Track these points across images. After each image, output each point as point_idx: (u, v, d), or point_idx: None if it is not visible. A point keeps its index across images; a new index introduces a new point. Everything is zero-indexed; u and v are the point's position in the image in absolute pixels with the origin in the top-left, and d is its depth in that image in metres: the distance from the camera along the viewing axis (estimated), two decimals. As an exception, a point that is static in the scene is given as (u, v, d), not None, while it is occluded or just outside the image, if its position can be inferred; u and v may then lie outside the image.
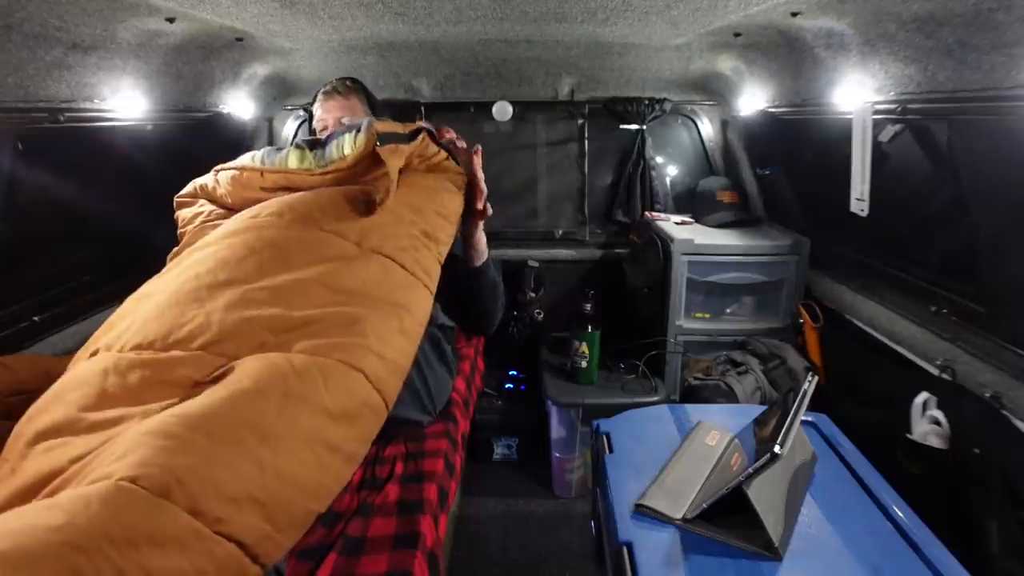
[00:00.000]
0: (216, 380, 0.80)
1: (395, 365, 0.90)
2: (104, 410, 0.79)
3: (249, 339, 0.86)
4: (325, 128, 1.61)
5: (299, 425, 0.74)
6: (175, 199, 1.34)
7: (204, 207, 1.31)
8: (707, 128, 2.50)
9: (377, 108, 1.67)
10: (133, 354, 0.86)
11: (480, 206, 1.31)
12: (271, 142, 2.47)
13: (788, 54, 1.71)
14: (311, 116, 2.35)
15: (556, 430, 2.05)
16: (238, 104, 2.09)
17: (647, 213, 2.43)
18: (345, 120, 1.57)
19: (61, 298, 1.53)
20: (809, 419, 1.31)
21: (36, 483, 0.70)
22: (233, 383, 0.77)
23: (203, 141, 2.04)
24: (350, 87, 1.61)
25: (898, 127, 1.43)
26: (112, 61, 1.40)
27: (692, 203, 2.41)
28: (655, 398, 1.95)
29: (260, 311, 0.89)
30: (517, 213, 2.59)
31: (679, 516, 0.99)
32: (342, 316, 0.90)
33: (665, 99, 2.35)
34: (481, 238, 1.40)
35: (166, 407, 0.76)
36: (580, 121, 2.50)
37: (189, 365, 0.83)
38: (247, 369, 0.79)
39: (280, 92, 2.31)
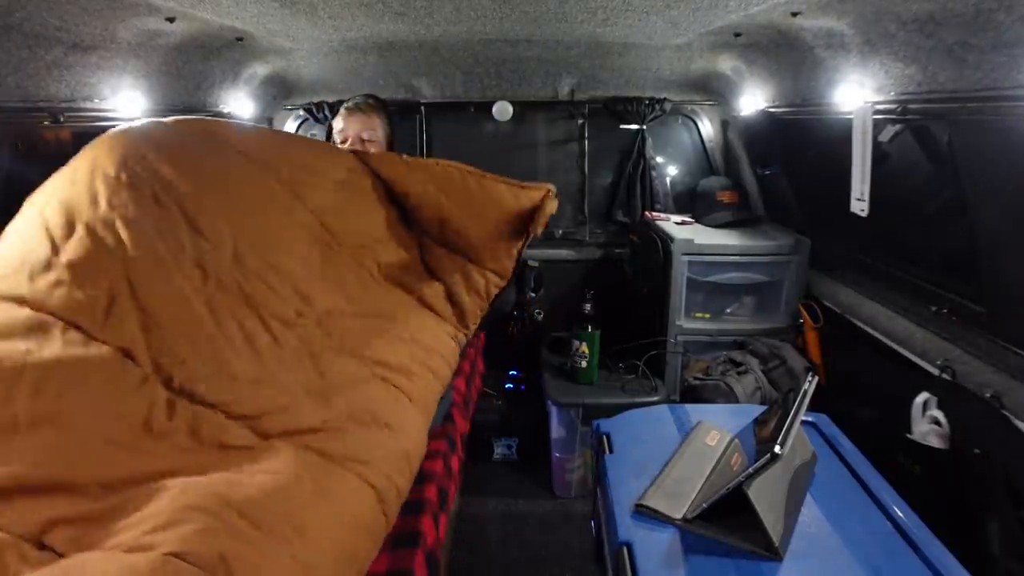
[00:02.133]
0: (243, 450, 0.88)
1: (398, 491, 0.98)
2: (146, 455, 0.84)
3: (283, 422, 0.94)
4: (346, 140, 1.64)
5: (325, 524, 0.81)
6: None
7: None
8: (707, 128, 2.49)
9: (394, 127, 1.71)
10: (176, 396, 0.92)
11: None
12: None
13: (788, 54, 1.71)
14: (313, 116, 2.36)
15: (556, 430, 2.05)
16: (238, 104, 2.09)
17: (647, 213, 2.43)
18: (365, 136, 1.61)
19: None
20: (809, 419, 1.31)
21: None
22: (272, 472, 0.84)
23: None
24: (372, 104, 1.67)
25: (898, 127, 1.43)
26: (112, 61, 1.40)
27: (692, 203, 2.40)
28: (655, 398, 1.95)
29: (305, 407, 0.98)
30: None
31: (679, 516, 0.99)
32: (369, 431, 0.99)
33: (665, 99, 2.35)
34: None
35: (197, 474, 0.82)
36: (580, 121, 2.50)
37: (224, 430, 0.90)
38: (285, 459, 0.87)
39: (280, 92, 2.31)
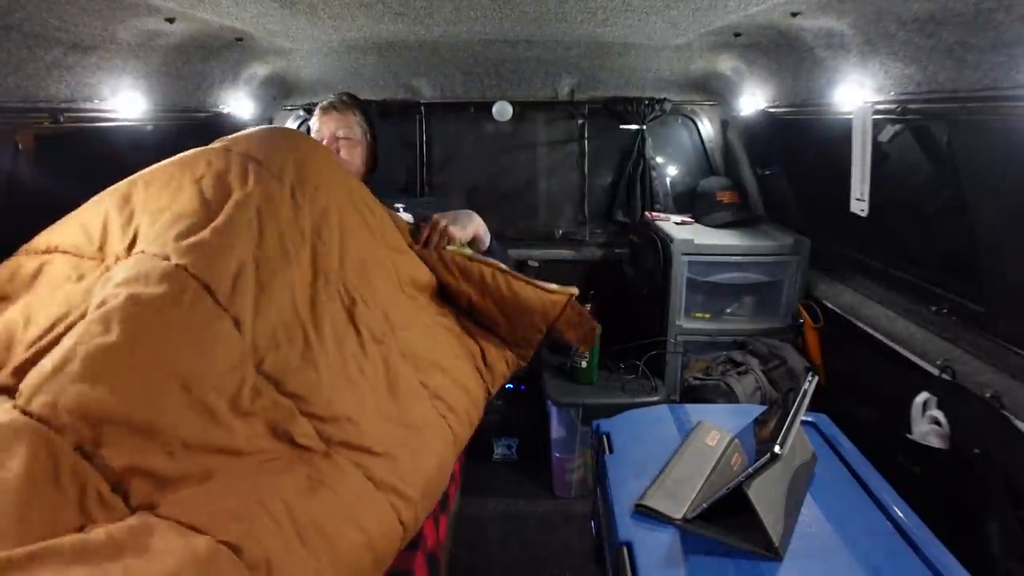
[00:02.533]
0: (306, 452, 0.93)
1: (416, 524, 0.99)
2: (227, 431, 0.88)
3: (346, 432, 0.97)
4: (322, 139, 1.64)
5: (353, 545, 0.85)
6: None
7: None
8: (707, 128, 2.50)
9: (374, 122, 1.69)
10: (262, 380, 0.96)
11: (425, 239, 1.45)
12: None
13: (788, 54, 1.71)
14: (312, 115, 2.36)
15: (556, 430, 2.05)
16: (238, 104, 2.09)
17: (647, 213, 2.43)
18: (341, 133, 1.61)
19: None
20: (809, 419, 1.31)
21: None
22: (327, 484, 0.89)
23: (203, 141, 2.03)
24: (347, 102, 1.66)
25: (898, 127, 1.43)
26: (112, 61, 1.40)
27: (692, 203, 2.41)
28: (655, 398, 1.95)
29: (366, 421, 1.01)
30: (517, 213, 2.59)
31: (679, 516, 0.99)
32: (419, 464, 1.02)
33: (665, 99, 2.35)
34: (471, 230, 1.50)
35: (266, 461, 0.89)
36: (580, 121, 2.50)
37: (295, 424, 0.94)
38: (338, 474, 0.92)
39: (280, 92, 2.31)
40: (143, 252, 1.00)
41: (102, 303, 0.90)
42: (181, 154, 1.21)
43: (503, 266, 1.38)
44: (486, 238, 1.54)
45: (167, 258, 0.97)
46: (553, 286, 1.39)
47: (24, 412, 0.79)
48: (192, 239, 1.00)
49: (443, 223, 1.43)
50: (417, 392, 1.14)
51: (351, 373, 1.05)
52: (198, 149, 1.22)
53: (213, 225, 1.03)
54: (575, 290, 1.41)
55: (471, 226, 1.50)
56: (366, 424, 1.00)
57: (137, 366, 0.84)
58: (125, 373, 0.83)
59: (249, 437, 0.89)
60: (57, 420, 0.78)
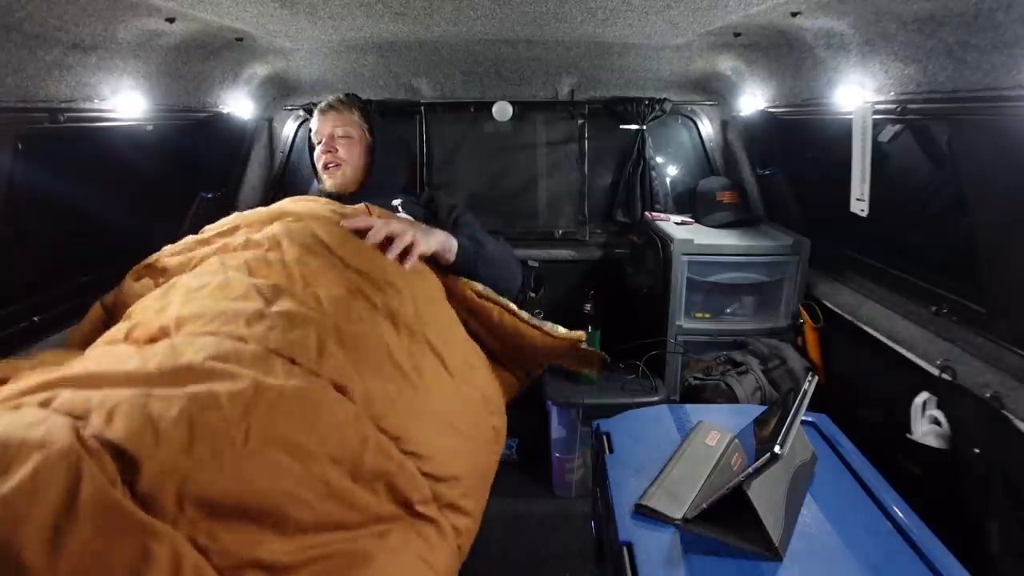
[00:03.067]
0: (426, 522, 0.93)
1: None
2: (345, 506, 0.86)
3: (454, 493, 0.97)
4: (321, 140, 1.64)
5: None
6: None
7: None
8: (707, 128, 2.49)
9: (374, 119, 1.69)
10: (384, 438, 0.94)
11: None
12: (271, 142, 2.47)
13: (788, 54, 1.71)
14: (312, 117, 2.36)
15: (556, 430, 2.05)
16: (238, 104, 2.09)
17: (647, 213, 2.43)
18: (339, 132, 1.60)
19: (61, 298, 1.53)
20: (809, 419, 1.31)
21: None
22: (430, 563, 0.89)
23: (203, 141, 2.04)
24: (344, 101, 1.66)
25: (898, 127, 1.43)
26: (112, 61, 1.40)
27: (692, 203, 2.41)
28: (655, 398, 1.95)
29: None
30: (517, 213, 2.59)
31: (679, 516, 0.99)
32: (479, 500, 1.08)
33: (665, 99, 2.35)
34: (435, 241, 1.33)
35: None
36: (580, 121, 2.50)
37: (414, 487, 0.93)
38: (443, 550, 0.92)
39: (280, 92, 2.31)
40: (213, 334, 0.92)
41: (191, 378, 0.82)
42: (204, 263, 1.18)
43: (512, 306, 1.36)
44: (451, 247, 1.36)
45: (244, 341, 0.91)
46: (561, 330, 1.37)
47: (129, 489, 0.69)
48: (264, 323, 0.95)
49: (411, 235, 1.23)
50: (487, 433, 1.15)
51: (457, 426, 1.03)
52: (215, 258, 1.18)
53: (277, 311, 0.98)
54: (582, 335, 1.39)
55: (434, 238, 1.31)
56: (465, 480, 0.99)
57: (250, 445, 0.78)
58: (236, 456, 0.76)
59: (366, 506, 0.84)
60: (166, 506, 0.69)
